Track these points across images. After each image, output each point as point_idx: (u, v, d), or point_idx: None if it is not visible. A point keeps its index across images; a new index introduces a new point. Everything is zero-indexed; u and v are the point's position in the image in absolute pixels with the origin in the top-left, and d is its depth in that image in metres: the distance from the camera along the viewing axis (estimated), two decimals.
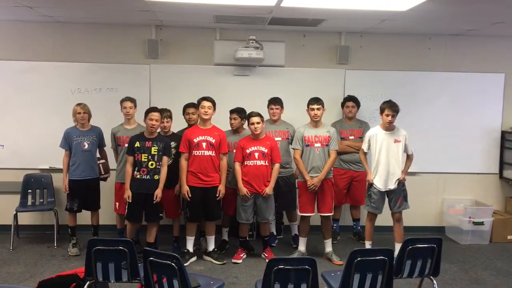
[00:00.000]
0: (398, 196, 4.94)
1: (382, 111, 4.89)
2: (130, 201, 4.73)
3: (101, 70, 5.82)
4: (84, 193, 5.21)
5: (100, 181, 5.36)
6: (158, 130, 4.98)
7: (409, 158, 5.00)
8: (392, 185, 4.90)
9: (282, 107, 5.37)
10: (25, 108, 5.77)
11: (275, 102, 5.35)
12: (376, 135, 4.96)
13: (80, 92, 5.77)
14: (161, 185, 4.80)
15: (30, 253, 5.23)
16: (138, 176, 4.72)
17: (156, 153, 4.74)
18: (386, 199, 5.03)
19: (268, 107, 5.38)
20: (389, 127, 4.91)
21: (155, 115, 4.71)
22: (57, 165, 5.67)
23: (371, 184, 4.99)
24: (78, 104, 5.19)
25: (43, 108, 5.77)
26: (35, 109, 5.77)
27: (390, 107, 4.81)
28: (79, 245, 5.22)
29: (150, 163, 4.72)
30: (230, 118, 5.21)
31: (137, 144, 4.73)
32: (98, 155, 5.36)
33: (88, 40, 5.82)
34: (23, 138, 5.79)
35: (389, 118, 4.80)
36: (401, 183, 4.93)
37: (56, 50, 5.80)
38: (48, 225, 5.68)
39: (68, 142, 5.15)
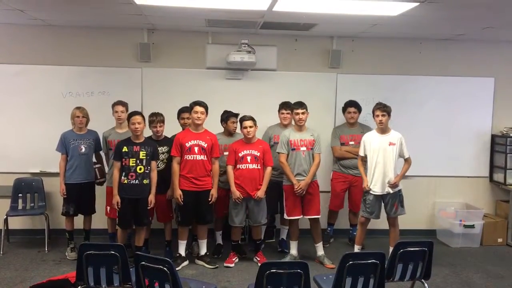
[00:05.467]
0: (394, 200, 4.94)
1: (373, 113, 4.94)
2: (119, 207, 4.71)
3: (92, 74, 5.80)
4: (80, 197, 5.18)
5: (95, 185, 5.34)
6: (154, 134, 5.02)
7: (406, 161, 4.97)
8: (390, 189, 4.88)
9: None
10: (15, 111, 5.73)
11: (286, 106, 5.32)
12: (371, 138, 4.98)
13: (72, 96, 5.74)
14: (153, 190, 4.80)
15: (20, 258, 5.19)
16: (126, 181, 4.68)
17: (144, 157, 4.71)
18: (382, 204, 5.02)
19: (279, 111, 5.39)
20: (383, 130, 4.93)
21: (137, 118, 4.69)
22: (48, 169, 5.65)
23: (367, 190, 4.99)
24: (78, 108, 5.16)
25: (34, 111, 5.73)
26: (26, 112, 5.73)
27: (379, 108, 4.87)
28: (77, 249, 5.17)
29: (138, 167, 4.69)
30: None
31: (125, 149, 4.69)
32: (94, 159, 5.33)
33: (79, 44, 5.79)
34: (14, 141, 5.75)
35: (379, 118, 4.84)
36: (396, 187, 4.91)
37: (47, 53, 5.76)
38: (39, 230, 5.63)
39: (64, 145, 5.12)
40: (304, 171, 4.99)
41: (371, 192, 4.95)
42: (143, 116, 4.77)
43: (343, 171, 5.57)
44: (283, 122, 5.39)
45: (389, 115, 4.87)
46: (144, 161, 4.71)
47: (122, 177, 4.70)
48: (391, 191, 4.90)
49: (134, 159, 4.67)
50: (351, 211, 5.85)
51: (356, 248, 5.11)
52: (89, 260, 3.28)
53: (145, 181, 4.72)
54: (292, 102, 5.20)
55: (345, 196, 5.76)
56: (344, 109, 5.68)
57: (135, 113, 4.79)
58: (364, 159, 5.04)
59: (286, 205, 5.09)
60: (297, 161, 4.99)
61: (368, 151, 4.97)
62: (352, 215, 5.87)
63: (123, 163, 4.69)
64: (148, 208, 4.79)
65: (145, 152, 4.71)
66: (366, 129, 5.59)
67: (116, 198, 4.70)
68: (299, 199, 5.04)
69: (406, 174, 4.97)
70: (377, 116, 4.87)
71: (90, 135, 5.23)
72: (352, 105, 5.59)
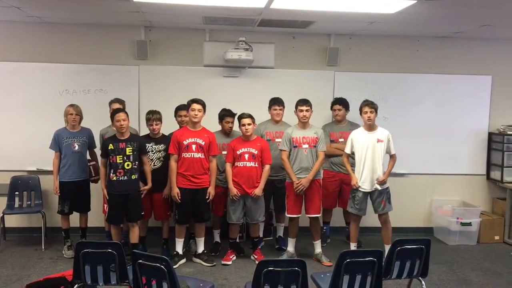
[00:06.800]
0: (382, 198, 4.96)
1: (361, 110, 4.95)
2: (108, 198, 4.74)
3: (89, 71, 5.78)
4: (75, 195, 5.17)
5: (90, 183, 5.33)
6: (151, 132, 5.03)
7: (392, 158, 4.98)
8: (379, 186, 4.91)
9: (284, 107, 5.37)
10: (12, 109, 5.71)
11: (279, 102, 5.35)
12: (359, 136, 4.98)
13: (68, 93, 5.72)
14: (149, 182, 4.86)
15: (17, 256, 5.18)
16: (115, 178, 4.69)
17: (131, 153, 4.71)
18: (370, 201, 5.03)
19: (270, 107, 5.39)
20: (371, 126, 4.94)
21: (121, 115, 4.68)
22: (45, 167, 5.62)
23: (356, 188, 4.99)
24: (71, 105, 5.14)
25: (30, 109, 5.71)
26: (23, 110, 5.71)
27: (367, 104, 4.89)
28: (74, 247, 5.17)
29: (126, 164, 4.69)
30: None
31: (111, 146, 4.69)
32: (88, 157, 5.31)
33: (76, 41, 5.77)
34: (10, 139, 5.72)
35: (367, 114, 4.85)
36: (384, 184, 4.93)
37: (44, 51, 5.74)
38: (36, 228, 5.62)
39: (58, 143, 5.10)
40: (305, 169, 4.98)
41: (360, 189, 4.96)
42: (126, 113, 4.77)
43: (333, 169, 5.55)
44: (275, 118, 5.38)
45: (376, 112, 4.89)
46: (131, 157, 4.71)
47: (111, 174, 4.71)
48: (380, 188, 4.92)
49: (121, 156, 4.68)
50: (344, 209, 5.84)
51: (352, 246, 5.11)
52: (86, 258, 3.27)
53: (133, 177, 4.73)
54: (288, 100, 5.23)
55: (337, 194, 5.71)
56: (331, 107, 5.69)
57: (118, 110, 4.79)
58: (350, 156, 5.05)
59: (287, 202, 5.09)
60: (299, 159, 4.98)
61: (356, 148, 4.97)
62: (346, 213, 5.85)
63: (111, 160, 4.71)
64: (142, 195, 4.83)
65: (131, 148, 4.71)
66: (355, 126, 5.54)
67: (105, 192, 4.76)
68: (301, 197, 5.04)
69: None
70: (365, 112, 4.88)
71: (84, 133, 5.21)
72: (337, 103, 5.59)
